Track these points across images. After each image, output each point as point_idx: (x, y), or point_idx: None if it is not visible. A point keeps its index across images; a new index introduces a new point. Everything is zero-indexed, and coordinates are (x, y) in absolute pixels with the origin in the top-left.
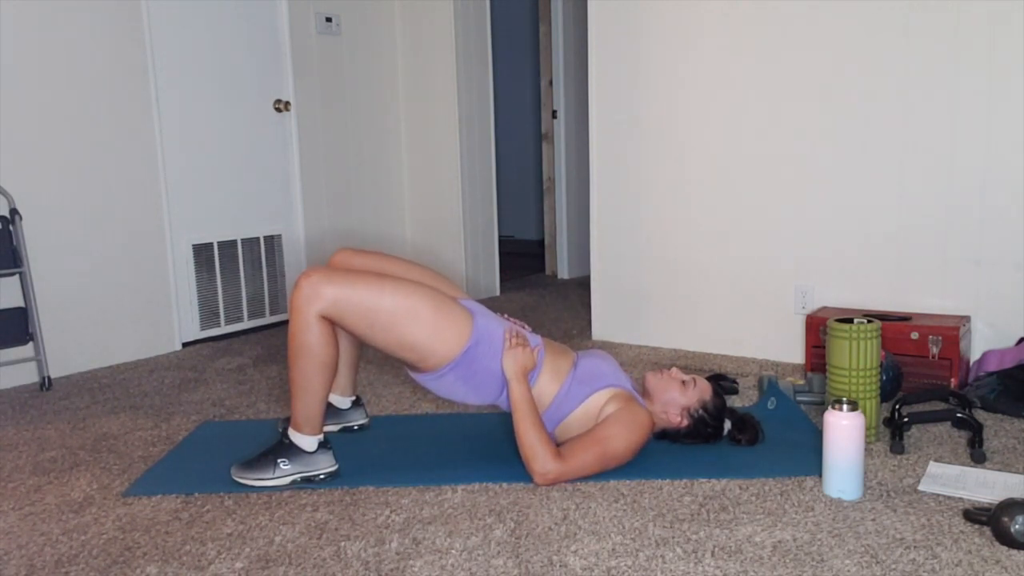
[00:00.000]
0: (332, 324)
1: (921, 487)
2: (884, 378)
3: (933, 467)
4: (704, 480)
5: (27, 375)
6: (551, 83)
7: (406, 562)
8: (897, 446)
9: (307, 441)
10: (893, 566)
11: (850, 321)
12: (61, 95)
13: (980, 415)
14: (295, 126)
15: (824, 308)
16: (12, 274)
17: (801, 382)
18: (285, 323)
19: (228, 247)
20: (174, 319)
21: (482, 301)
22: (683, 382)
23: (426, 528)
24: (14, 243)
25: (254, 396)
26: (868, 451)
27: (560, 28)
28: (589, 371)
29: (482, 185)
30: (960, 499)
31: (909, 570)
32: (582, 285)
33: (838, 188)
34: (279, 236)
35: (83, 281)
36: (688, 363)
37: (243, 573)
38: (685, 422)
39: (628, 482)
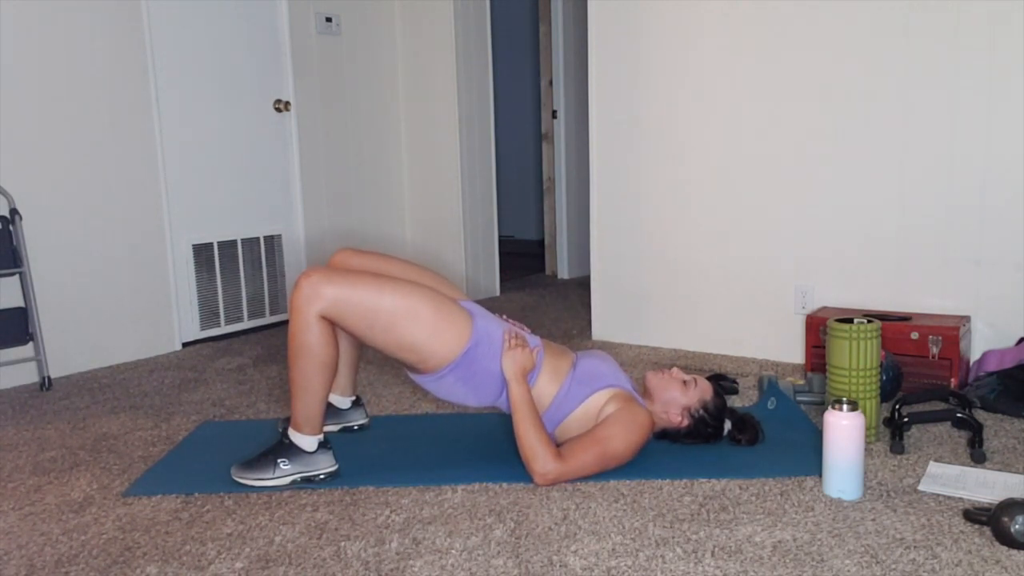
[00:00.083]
0: (332, 324)
1: (921, 487)
2: (884, 378)
3: (933, 467)
4: (704, 480)
5: (27, 375)
6: (551, 83)
7: (406, 562)
8: (897, 446)
9: (307, 441)
10: (893, 566)
11: (850, 321)
12: (61, 95)
13: (980, 415)
14: (295, 126)
15: (824, 308)
16: (12, 274)
17: (801, 382)
18: (285, 323)
19: (228, 247)
20: (174, 319)
21: (482, 301)
22: (684, 382)
23: (426, 528)
24: (14, 243)
25: (254, 396)
26: (868, 451)
27: (560, 28)
28: (588, 371)
29: (482, 185)
30: (960, 499)
31: (909, 570)
32: (582, 285)
33: (838, 188)
34: (279, 236)
35: (83, 281)
36: (688, 363)
37: (243, 573)
38: (686, 422)
39: (628, 482)
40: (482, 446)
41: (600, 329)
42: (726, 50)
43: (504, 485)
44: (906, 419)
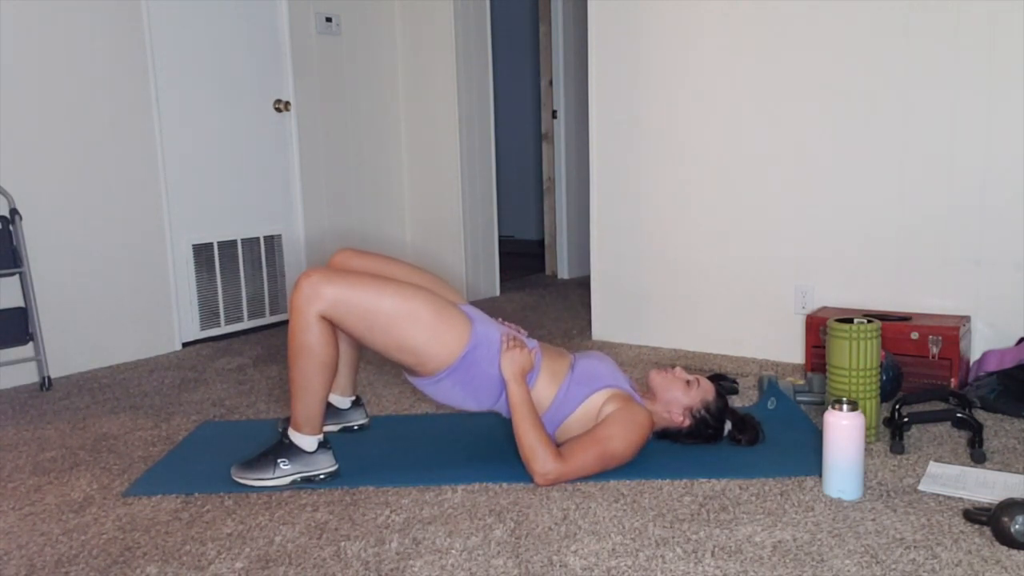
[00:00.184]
0: (332, 324)
1: (921, 487)
2: (884, 378)
3: (933, 467)
4: (704, 480)
5: (27, 375)
6: (551, 83)
7: (406, 562)
8: (897, 446)
9: (307, 441)
10: (893, 566)
11: (850, 321)
12: (61, 95)
13: (980, 415)
14: (295, 126)
15: (824, 308)
16: (12, 274)
17: (801, 382)
18: (285, 323)
19: (228, 247)
20: (174, 319)
21: (482, 301)
22: (687, 382)
23: (426, 528)
24: (14, 243)
25: (254, 396)
26: (868, 451)
27: (560, 28)
28: (587, 372)
29: (482, 185)
30: (960, 499)
31: (909, 570)
32: (582, 285)
33: (838, 188)
34: (279, 236)
35: (83, 281)
36: (688, 363)
37: (243, 573)
38: (687, 422)
39: (628, 482)
40: (482, 446)
41: (600, 329)
42: (726, 50)
43: (504, 485)
44: (906, 419)
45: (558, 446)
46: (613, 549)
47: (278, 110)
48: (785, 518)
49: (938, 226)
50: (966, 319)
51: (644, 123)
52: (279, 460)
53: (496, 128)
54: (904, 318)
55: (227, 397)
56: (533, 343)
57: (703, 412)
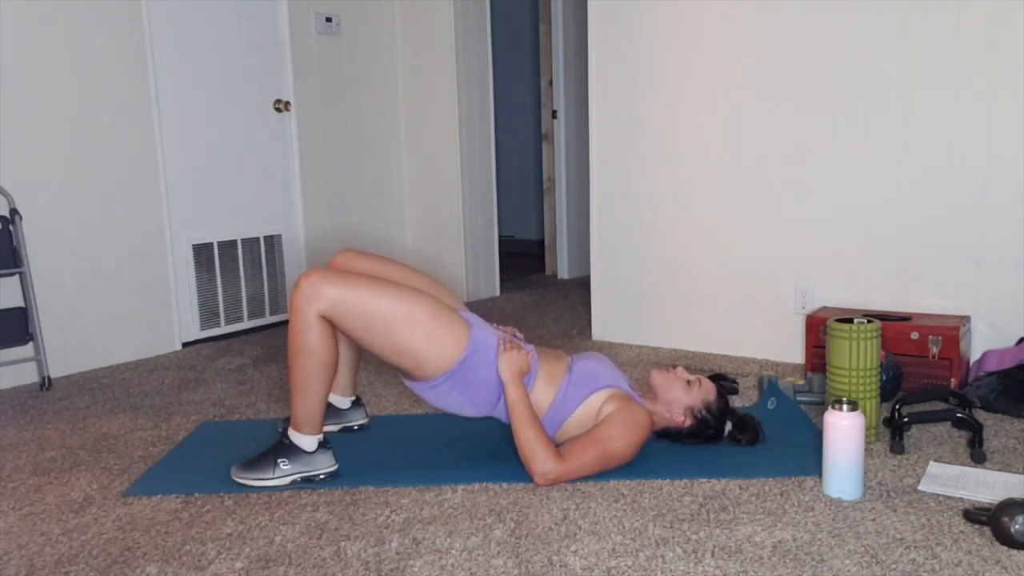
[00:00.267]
0: (332, 324)
1: (921, 487)
2: (884, 378)
3: (933, 467)
4: (704, 480)
5: (27, 375)
6: (551, 83)
7: (406, 562)
8: (897, 446)
9: (307, 441)
10: (893, 566)
11: (850, 321)
12: (61, 95)
13: (980, 415)
14: (295, 126)
15: (824, 308)
16: (12, 274)
17: (801, 382)
18: (285, 323)
19: (228, 247)
20: (174, 319)
21: (482, 301)
22: (688, 382)
23: (426, 528)
24: (14, 243)
25: (254, 396)
26: (868, 451)
27: (560, 28)
28: (585, 373)
29: (482, 185)
30: (960, 499)
31: (909, 570)
32: (582, 285)
33: (838, 188)
34: (279, 236)
35: (83, 281)
36: (688, 363)
37: (243, 573)
38: (688, 422)
39: (628, 482)
40: (482, 446)
41: (600, 329)
42: (726, 50)
43: (504, 485)
44: (906, 419)
45: (558, 447)
46: (613, 549)
47: (278, 110)
48: (785, 518)
49: (938, 226)
50: (966, 319)
51: (644, 123)
52: (279, 460)
53: (496, 128)
54: (904, 318)
55: (227, 397)
56: (530, 347)
57: (704, 412)
